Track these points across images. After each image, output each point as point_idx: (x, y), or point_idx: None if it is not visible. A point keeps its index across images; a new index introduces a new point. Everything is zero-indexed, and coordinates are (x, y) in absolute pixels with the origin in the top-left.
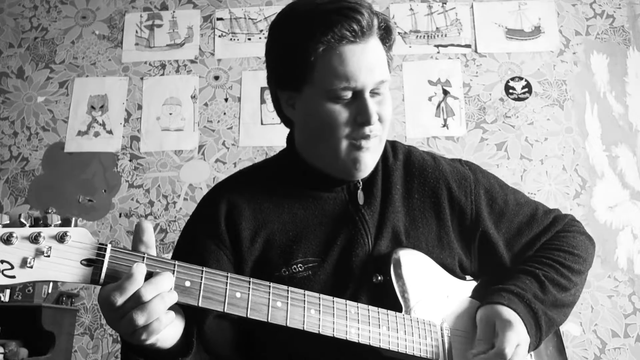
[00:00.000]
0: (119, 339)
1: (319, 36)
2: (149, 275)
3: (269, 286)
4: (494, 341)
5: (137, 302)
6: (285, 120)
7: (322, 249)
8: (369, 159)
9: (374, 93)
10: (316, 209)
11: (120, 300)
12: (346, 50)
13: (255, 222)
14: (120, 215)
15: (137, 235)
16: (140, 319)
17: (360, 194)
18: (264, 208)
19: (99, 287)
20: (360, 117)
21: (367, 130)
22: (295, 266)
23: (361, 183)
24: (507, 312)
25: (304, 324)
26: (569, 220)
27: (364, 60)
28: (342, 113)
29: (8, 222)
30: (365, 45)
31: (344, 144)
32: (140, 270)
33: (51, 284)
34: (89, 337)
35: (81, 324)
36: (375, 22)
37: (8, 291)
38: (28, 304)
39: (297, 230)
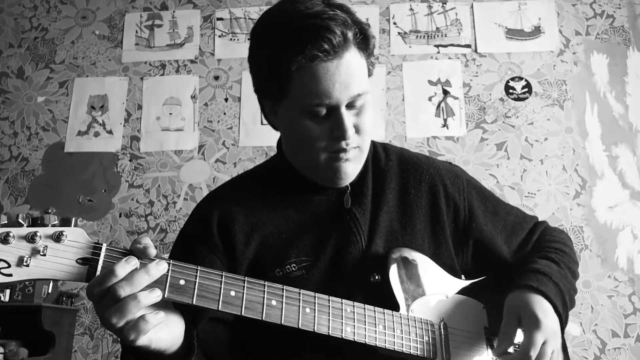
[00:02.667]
0: (119, 339)
1: (290, 56)
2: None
3: (264, 285)
4: (522, 333)
5: (112, 300)
6: (273, 125)
7: (315, 249)
8: (349, 169)
9: (350, 106)
10: (308, 210)
11: (96, 292)
12: (319, 68)
13: (248, 226)
14: (120, 215)
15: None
16: (114, 318)
17: (347, 197)
18: (256, 212)
19: None
20: (336, 132)
21: (343, 144)
22: (288, 266)
23: (350, 186)
24: (535, 304)
25: (298, 323)
26: (546, 223)
27: (338, 77)
28: (317, 128)
29: (6, 222)
30: (339, 61)
31: (322, 156)
32: (123, 265)
33: (51, 283)
34: (89, 337)
35: (81, 324)
36: (350, 34)
37: (8, 291)
38: (28, 304)
39: (289, 232)
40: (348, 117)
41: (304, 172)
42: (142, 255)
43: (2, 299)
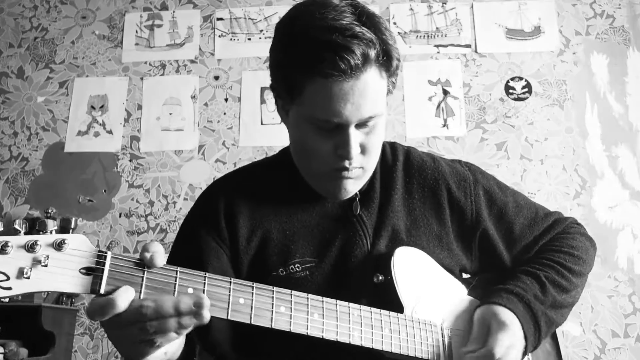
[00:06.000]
0: None
1: (306, 68)
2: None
3: (273, 291)
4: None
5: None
6: (283, 121)
7: (319, 250)
8: (350, 186)
9: (361, 125)
10: (314, 210)
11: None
12: (333, 86)
13: (252, 221)
14: (120, 215)
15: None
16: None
17: (356, 204)
18: (261, 207)
19: None
20: (340, 150)
21: (346, 163)
22: (292, 266)
23: (359, 193)
24: (504, 313)
25: (307, 329)
26: (569, 222)
27: (351, 98)
28: (323, 142)
29: (1, 229)
30: (355, 82)
31: (324, 170)
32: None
33: None
34: (89, 337)
35: (81, 324)
36: (372, 54)
37: None
38: (28, 304)
39: (294, 230)
40: (355, 137)
41: (306, 177)
42: (149, 264)
43: (2, 299)
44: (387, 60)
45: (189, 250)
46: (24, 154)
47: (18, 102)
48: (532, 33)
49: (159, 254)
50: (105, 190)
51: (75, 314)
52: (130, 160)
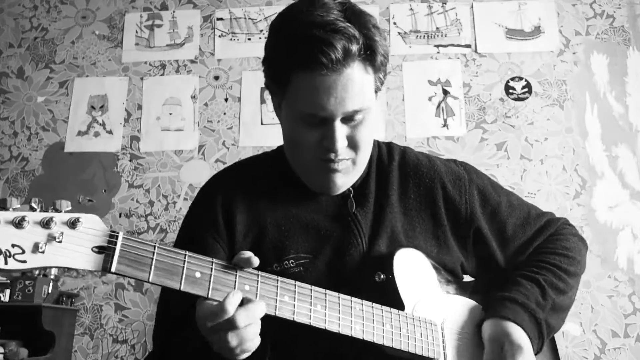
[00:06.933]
0: (119, 339)
1: (289, 63)
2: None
3: (277, 280)
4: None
5: (230, 326)
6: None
7: (314, 247)
8: (340, 180)
9: (347, 119)
10: (309, 207)
11: (210, 324)
12: (316, 80)
13: (248, 217)
14: (120, 215)
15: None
16: (234, 341)
17: (351, 201)
18: (258, 203)
19: (99, 288)
20: (326, 142)
21: (332, 155)
22: (286, 262)
23: (352, 189)
24: (517, 333)
25: (310, 319)
26: (561, 223)
27: (334, 92)
28: (310, 134)
29: (19, 205)
30: (338, 77)
31: (314, 163)
32: (231, 302)
33: (51, 283)
34: (89, 337)
35: (81, 324)
36: (355, 48)
37: (8, 291)
38: (28, 304)
39: (289, 226)
40: (340, 130)
41: (298, 174)
42: (245, 265)
43: (2, 299)
44: (371, 55)
45: (189, 247)
46: (24, 154)
47: (18, 102)
48: (532, 33)
49: (255, 257)
50: (105, 190)
51: (75, 314)
52: (130, 160)
